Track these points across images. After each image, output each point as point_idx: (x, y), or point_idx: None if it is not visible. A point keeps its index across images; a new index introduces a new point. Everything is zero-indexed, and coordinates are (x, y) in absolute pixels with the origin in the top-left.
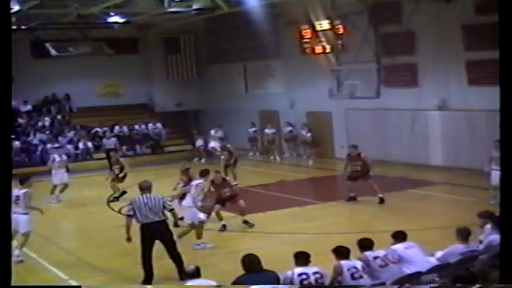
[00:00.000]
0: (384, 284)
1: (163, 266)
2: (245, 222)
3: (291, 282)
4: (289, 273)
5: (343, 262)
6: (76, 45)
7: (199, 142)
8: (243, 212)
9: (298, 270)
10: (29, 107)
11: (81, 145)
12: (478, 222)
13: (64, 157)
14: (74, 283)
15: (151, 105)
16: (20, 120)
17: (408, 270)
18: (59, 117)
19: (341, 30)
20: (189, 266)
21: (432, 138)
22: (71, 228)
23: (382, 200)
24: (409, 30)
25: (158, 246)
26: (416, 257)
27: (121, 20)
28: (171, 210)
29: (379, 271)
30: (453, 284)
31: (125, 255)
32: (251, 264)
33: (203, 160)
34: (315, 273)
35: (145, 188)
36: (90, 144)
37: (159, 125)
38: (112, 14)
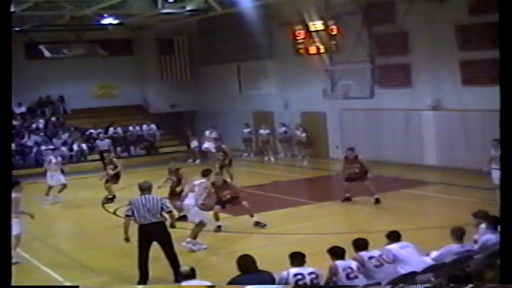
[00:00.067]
0: (379, 284)
1: (159, 267)
2: (256, 223)
3: (286, 283)
4: (284, 273)
5: (338, 262)
6: (70, 47)
7: (194, 143)
8: (250, 213)
9: (294, 270)
10: (23, 109)
11: (75, 147)
12: (473, 221)
13: (59, 159)
14: (69, 284)
15: (145, 106)
16: (14, 122)
17: (403, 270)
18: (53, 119)
19: (335, 31)
20: (184, 267)
21: (426, 138)
22: (66, 230)
23: (377, 201)
24: (402, 30)
25: (155, 248)
26: (411, 257)
27: (115, 22)
28: (169, 212)
29: (374, 271)
30: (448, 284)
31: (120, 256)
32: (246, 265)
33: (198, 161)
34: (310, 273)
35: (145, 188)
36: (84, 145)
37: (153, 126)
38: (106, 15)
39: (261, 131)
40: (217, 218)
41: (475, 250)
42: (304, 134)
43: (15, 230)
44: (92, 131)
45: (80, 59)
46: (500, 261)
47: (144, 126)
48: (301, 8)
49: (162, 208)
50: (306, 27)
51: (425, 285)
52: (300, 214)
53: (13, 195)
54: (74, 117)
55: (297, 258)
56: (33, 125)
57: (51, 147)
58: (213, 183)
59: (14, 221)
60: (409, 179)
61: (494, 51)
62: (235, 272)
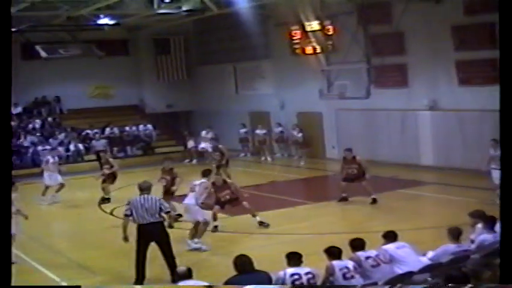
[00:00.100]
0: (375, 284)
1: (156, 267)
2: (260, 223)
3: (283, 283)
4: (281, 273)
5: (335, 262)
6: (66, 47)
7: (191, 143)
8: (252, 213)
9: (290, 270)
10: (19, 109)
11: (72, 147)
12: (470, 221)
13: (57, 159)
14: (65, 284)
15: (141, 106)
16: (11, 123)
17: (400, 270)
18: (49, 119)
19: (331, 31)
20: (180, 267)
21: (422, 138)
22: (62, 230)
23: (374, 201)
24: (398, 30)
25: (152, 248)
26: (408, 256)
27: (111, 22)
28: (167, 212)
29: (370, 271)
30: (445, 284)
31: (117, 256)
32: (243, 265)
33: (194, 161)
34: (307, 273)
35: (144, 188)
36: (81, 146)
37: (149, 126)
38: (102, 15)
39: (258, 131)
40: (215, 218)
41: (472, 250)
42: (300, 134)
43: None
44: (88, 131)
45: (76, 59)
46: (500, 261)
47: (141, 126)
48: (297, 8)
49: (160, 208)
50: (302, 27)
51: (422, 285)
52: (296, 214)
53: None
54: (70, 118)
55: (294, 258)
56: (30, 126)
57: (48, 147)
58: (213, 183)
59: None
60: (406, 179)
61: (490, 52)
62: (233, 272)
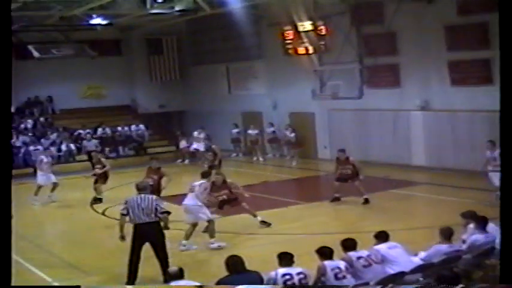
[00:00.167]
0: (367, 284)
1: (149, 267)
2: (263, 222)
3: (275, 283)
4: (272, 273)
5: (327, 262)
6: (59, 47)
7: (183, 143)
8: (252, 213)
9: (282, 270)
10: (11, 109)
11: (63, 147)
12: (461, 222)
13: (50, 159)
14: (57, 284)
15: (134, 106)
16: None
17: (391, 270)
18: (41, 119)
19: (323, 31)
20: (172, 267)
21: (414, 139)
22: (54, 230)
23: (366, 201)
24: (391, 30)
25: (146, 247)
26: (400, 257)
27: (103, 22)
28: (163, 213)
29: (362, 271)
30: (437, 284)
31: (108, 256)
32: (234, 265)
33: (186, 161)
34: (298, 273)
35: (141, 188)
36: (72, 146)
37: (142, 126)
38: (94, 15)
39: (250, 131)
40: None
41: (464, 250)
42: (293, 134)
43: None
44: (80, 131)
45: (69, 59)
46: (501, 261)
47: (133, 126)
48: (290, 9)
49: (156, 209)
50: (295, 28)
51: (413, 285)
52: (288, 214)
53: None
54: (62, 118)
55: (286, 259)
56: (22, 125)
57: (40, 147)
58: (213, 182)
59: None
60: (398, 179)
61: (482, 52)
62: (225, 272)
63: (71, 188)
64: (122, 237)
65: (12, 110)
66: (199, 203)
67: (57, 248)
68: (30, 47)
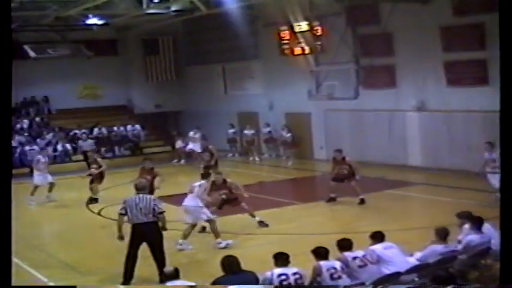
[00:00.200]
0: (363, 284)
1: (145, 267)
2: (260, 222)
3: (270, 283)
4: (268, 273)
5: (322, 263)
6: (55, 47)
7: (179, 143)
8: (251, 214)
9: (278, 270)
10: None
11: (59, 147)
12: (457, 222)
13: (47, 159)
14: (52, 284)
15: (130, 106)
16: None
17: (387, 270)
18: (37, 119)
19: (319, 32)
20: (168, 268)
21: (410, 139)
22: (50, 230)
23: (362, 201)
24: (387, 31)
25: (142, 247)
26: (395, 257)
27: (100, 22)
28: (160, 213)
29: (358, 271)
30: (432, 284)
31: (105, 256)
32: (230, 265)
33: (182, 161)
34: (294, 273)
35: (140, 188)
36: (68, 146)
37: (138, 126)
38: (91, 15)
39: (246, 132)
40: None
41: (459, 250)
42: (289, 135)
43: None
44: (76, 131)
45: (65, 59)
46: (501, 261)
47: (129, 126)
48: (286, 9)
49: (154, 209)
50: (291, 28)
51: (409, 285)
52: (284, 214)
53: None
54: (58, 118)
55: (281, 259)
56: (18, 125)
57: (35, 147)
58: (213, 182)
59: None
60: (394, 180)
61: (478, 52)
62: (221, 272)
63: (67, 188)
64: (121, 237)
65: None
66: (199, 204)
67: (52, 248)
68: (26, 47)
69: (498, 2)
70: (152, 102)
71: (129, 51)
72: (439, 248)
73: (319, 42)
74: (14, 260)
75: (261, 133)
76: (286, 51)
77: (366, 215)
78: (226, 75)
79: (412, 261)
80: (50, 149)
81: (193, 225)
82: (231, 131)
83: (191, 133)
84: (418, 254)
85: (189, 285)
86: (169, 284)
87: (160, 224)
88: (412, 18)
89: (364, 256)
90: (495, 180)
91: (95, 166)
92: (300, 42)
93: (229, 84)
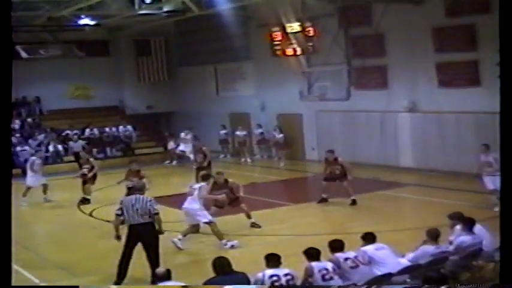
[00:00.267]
0: (354, 285)
1: (137, 267)
2: (253, 224)
3: (262, 284)
4: (260, 274)
5: (314, 263)
6: (47, 48)
7: (171, 144)
8: (248, 215)
9: (269, 271)
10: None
11: (51, 148)
12: (448, 223)
13: (41, 160)
14: (44, 285)
15: (122, 107)
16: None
17: (379, 271)
18: (29, 120)
19: (311, 33)
20: (160, 269)
21: (402, 140)
22: (42, 231)
23: (354, 202)
24: (379, 32)
25: (137, 248)
26: (387, 258)
27: (92, 22)
28: (156, 214)
29: (349, 272)
30: (424, 285)
31: (97, 257)
32: (221, 266)
33: (174, 162)
34: (286, 274)
35: (137, 189)
36: (60, 146)
37: (129, 127)
38: (83, 16)
39: (238, 133)
40: None
41: (451, 251)
42: (281, 136)
43: None
44: (68, 132)
45: (57, 60)
46: (501, 261)
47: (121, 127)
48: (278, 10)
49: (149, 210)
50: (283, 29)
51: (401, 286)
52: (276, 215)
53: None
54: (50, 118)
55: (273, 260)
56: None
57: (27, 148)
58: (214, 182)
59: None
60: (385, 181)
61: (470, 53)
62: (212, 274)
63: (59, 189)
64: (118, 237)
65: None
66: (199, 206)
67: (44, 249)
68: (18, 48)
69: (498, 2)
70: (144, 103)
71: (121, 51)
72: (431, 249)
73: (311, 43)
74: None
75: (253, 134)
76: (278, 52)
77: (358, 215)
78: (218, 76)
79: (404, 262)
80: (41, 150)
81: (194, 226)
82: (223, 132)
83: (182, 134)
84: (410, 255)
85: (180, 286)
86: (161, 284)
87: (156, 226)
88: (404, 19)
89: (355, 257)
90: (490, 183)
91: (87, 167)
92: (292, 43)
93: (221, 85)
